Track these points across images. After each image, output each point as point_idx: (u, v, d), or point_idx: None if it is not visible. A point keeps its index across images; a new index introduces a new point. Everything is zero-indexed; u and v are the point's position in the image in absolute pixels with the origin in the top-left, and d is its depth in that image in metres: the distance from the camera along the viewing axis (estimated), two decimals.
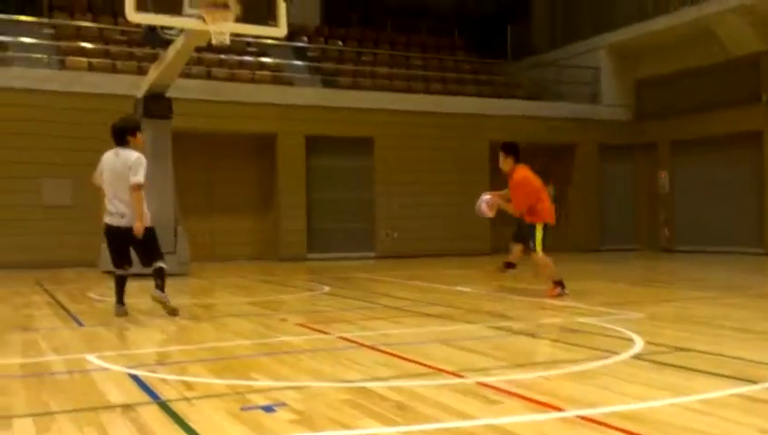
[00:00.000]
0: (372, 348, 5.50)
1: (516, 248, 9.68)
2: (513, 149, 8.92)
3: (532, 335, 6.10)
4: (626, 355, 5.12)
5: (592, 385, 4.26)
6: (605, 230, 20.46)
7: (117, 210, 7.27)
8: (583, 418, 3.54)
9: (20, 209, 14.64)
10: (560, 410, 3.68)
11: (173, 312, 7.35)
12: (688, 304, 8.33)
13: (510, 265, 9.92)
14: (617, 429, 3.34)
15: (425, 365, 4.84)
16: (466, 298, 9.09)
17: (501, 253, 18.59)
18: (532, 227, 8.76)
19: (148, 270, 7.41)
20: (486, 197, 9.02)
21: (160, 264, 7.37)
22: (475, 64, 21.79)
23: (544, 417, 3.58)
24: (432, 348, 5.55)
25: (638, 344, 5.53)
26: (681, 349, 5.35)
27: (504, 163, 8.90)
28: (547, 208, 8.80)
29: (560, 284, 8.78)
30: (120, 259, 7.47)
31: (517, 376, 4.47)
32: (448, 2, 23.71)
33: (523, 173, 8.83)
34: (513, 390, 4.09)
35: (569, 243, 19.35)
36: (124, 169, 7.22)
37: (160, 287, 7.34)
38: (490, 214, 9.01)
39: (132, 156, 7.30)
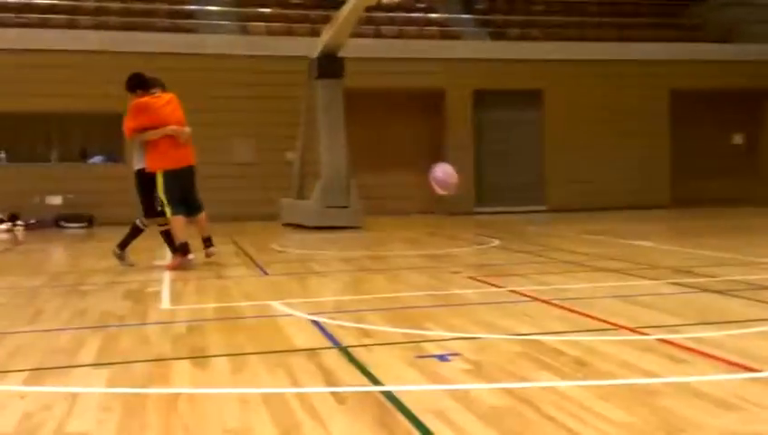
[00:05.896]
0: (546, 302, 5.41)
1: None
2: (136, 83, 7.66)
3: (722, 292, 5.72)
4: None
5: None
6: None
7: None
8: None
9: (213, 167, 15.66)
10: (753, 370, 3.43)
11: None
12: None
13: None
14: None
15: (602, 320, 4.68)
16: (647, 253, 8.68)
17: (682, 205, 17.70)
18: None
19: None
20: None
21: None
22: (655, 7, 20.36)
23: (735, 377, 3.36)
24: (610, 303, 5.35)
25: None
26: None
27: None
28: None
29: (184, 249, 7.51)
30: None
31: (704, 334, 4.22)
32: None
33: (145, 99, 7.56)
34: (701, 348, 3.86)
35: (765, 193, 18.08)
36: None
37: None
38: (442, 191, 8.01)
39: None
